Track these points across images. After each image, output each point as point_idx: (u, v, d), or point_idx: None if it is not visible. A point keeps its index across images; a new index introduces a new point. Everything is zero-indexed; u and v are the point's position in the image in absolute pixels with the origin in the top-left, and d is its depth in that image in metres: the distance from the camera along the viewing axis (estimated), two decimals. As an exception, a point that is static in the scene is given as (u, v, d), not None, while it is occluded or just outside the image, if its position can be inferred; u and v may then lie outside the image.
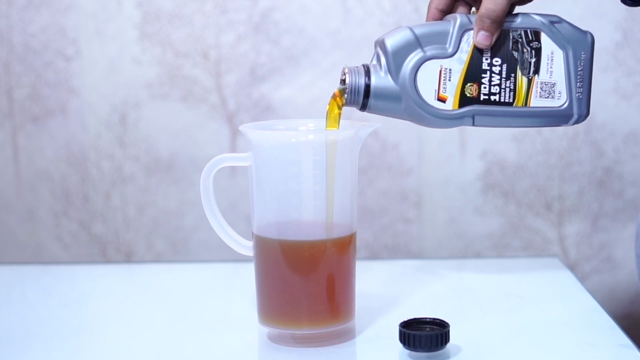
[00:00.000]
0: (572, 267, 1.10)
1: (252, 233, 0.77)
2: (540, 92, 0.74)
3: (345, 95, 0.74)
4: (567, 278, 0.95)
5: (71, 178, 1.14)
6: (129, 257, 1.15)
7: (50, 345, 0.78)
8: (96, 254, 1.15)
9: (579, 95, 0.75)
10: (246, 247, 0.78)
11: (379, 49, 0.75)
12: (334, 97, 0.74)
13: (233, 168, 1.10)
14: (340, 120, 0.78)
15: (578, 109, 0.75)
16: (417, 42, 0.73)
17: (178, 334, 0.80)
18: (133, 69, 1.10)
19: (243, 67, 1.09)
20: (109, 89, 1.11)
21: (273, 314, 0.76)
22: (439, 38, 0.74)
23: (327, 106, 0.74)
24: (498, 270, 0.99)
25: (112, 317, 0.86)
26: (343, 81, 0.74)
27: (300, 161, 0.74)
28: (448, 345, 0.72)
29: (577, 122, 0.76)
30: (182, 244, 1.14)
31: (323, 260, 0.74)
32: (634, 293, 1.12)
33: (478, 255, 1.12)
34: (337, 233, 0.74)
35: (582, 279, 1.08)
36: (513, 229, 1.11)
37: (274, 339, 0.77)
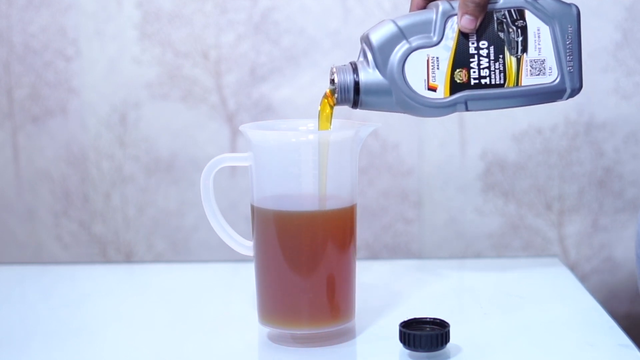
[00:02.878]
0: (572, 267, 1.10)
1: (252, 206, 0.77)
2: (530, 70, 0.74)
3: (336, 94, 0.74)
4: (567, 278, 0.95)
5: (71, 178, 1.14)
6: (129, 257, 1.15)
7: (50, 345, 0.78)
8: (96, 254, 1.15)
9: (570, 69, 0.75)
10: (246, 247, 0.78)
11: (364, 44, 0.75)
12: (325, 97, 0.75)
13: (233, 168, 1.10)
14: (341, 120, 0.79)
15: (571, 83, 0.75)
16: (402, 34, 0.73)
17: (178, 334, 0.80)
18: (133, 69, 1.10)
19: (243, 67, 1.09)
20: (109, 89, 1.11)
21: (273, 314, 0.76)
22: (423, 27, 0.74)
23: (319, 106, 0.75)
24: (498, 270, 0.99)
25: (112, 317, 0.86)
26: (332, 81, 0.74)
27: (300, 161, 0.74)
28: (448, 345, 0.72)
29: (571, 96, 0.75)
30: (182, 244, 1.14)
31: (320, 236, 0.73)
32: (634, 293, 1.12)
33: (478, 255, 1.12)
34: (333, 206, 0.74)
35: (582, 279, 1.08)
36: (513, 229, 1.11)
37: (274, 339, 0.77)
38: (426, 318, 0.73)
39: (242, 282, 0.92)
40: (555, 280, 0.95)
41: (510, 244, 1.11)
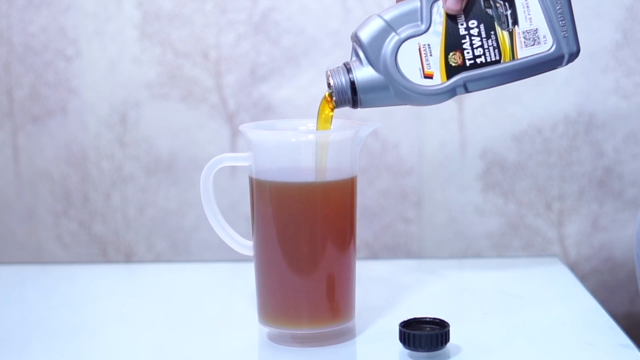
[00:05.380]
0: (572, 267, 1.10)
1: (250, 178, 0.76)
2: (524, 42, 0.74)
3: (334, 97, 0.74)
4: (567, 278, 0.95)
5: (71, 178, 1.14)
6: (129, 257, 1.15)
7: (50, 345, 0.78)
8: (96, 254, 1.15)
9: (564, 34, 0.74)
10: (246, 247, 0.78)
11: (354, 43, 0.75)
12: (324, 99, 0.75)
13: (233, 168, 1.10)
14: (341, 120, 0.79)
15: (568, 48, 0.74)
16: (390, 27, 0.73)
17: (178, 334, 0.80)
18: (133, 69, 1.10)
19: (243, 67, 1.09)
20: (109, 89, 1.11)
21: (273, 313, 0.76)
22: (410, 17, 0.73)
23: (319, 107, 0.75)
24: (498, 270, 0.99)
25: (112, 317, 0.86)
26: (329, 85, 0.74)
27: (300, 161, 0.74)
28: (448, 345, 0.72)
29: (570, 60, 0.74)
30: (182, 244, 1.14)
31: (318, 209, 0.73)
32: (634, 293, 1.12)
33: (478, 255, 1.12)
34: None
35: (582, 279, 1.08)
36: (513, 229, 1.11)
37: (274, 339, 0.77)
38: (426, 318, 0.73)
39: (242, 282, 0.92)
40: (555, 280, 0.95)
41: (510, 244, 1.11)
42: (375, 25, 0.74)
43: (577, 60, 1.07)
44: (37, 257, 1.16)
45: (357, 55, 0.74)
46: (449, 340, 0.71)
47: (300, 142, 0.74)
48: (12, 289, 0.98)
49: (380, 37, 0.73)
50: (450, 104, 1.08)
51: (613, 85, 1.07)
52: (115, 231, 1.14)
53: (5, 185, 1.15)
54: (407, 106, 1.09)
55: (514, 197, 1.10)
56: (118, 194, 1.13)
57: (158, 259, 1.14)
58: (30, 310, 0.89)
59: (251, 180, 0.76)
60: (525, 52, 0.74)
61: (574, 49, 0.74)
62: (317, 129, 0.75)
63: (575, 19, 0.75)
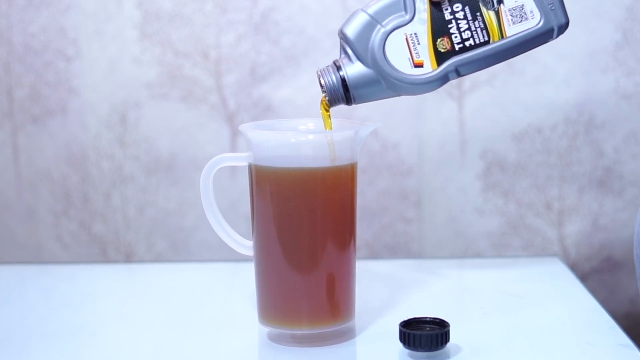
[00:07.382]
0: (572, 267, 1.10)
1: (250, 165, 0.76)
2: (512, 19, 0.73)
3: (327, 96, 0.74)
4: (567, 278, 0.95)
5: (71, 178, 1.14)
6: (129, 257, 1.15)
7: (50, 345, 0.78)
8: (96, 254, 1.15)
9: (551, 7, 0.74)
10: (246, 247, 0.78)
11: (342, 40, 0.75)
12: (321, 102, 0.75)
13: (233, 168, 1.10)
14: (341, 120, 0.79)
15: (556, 20, 0.74)
16: (374, 20, 0.73)
17: (178, 334, 0.80)
18: (133, 69, 1.10)
19: (243, 67, 1.09)
20: (109, 89, 1.11)
21: (273, 313, 0.76)
22: (394, 8, 0.73)
23: (321, 111, 0.75)
24: (498, 270, 0.99)
25: (112, 317, 0.86)
26: (321, 85, 0.74)
27: (300, 161, 0.74)
28: (448, 345, 0.72)
29: (560, 32, 0.74)
30: (182, 244, 1.14)
31: (319, 194, 0.73)
32: (634, 293, 1.12)
33: (478, 255, 1.12)
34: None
35: (582, 279, 1.08)
36: (513, 229, 1.11)
37: (274, 339, 0.77)
38: (426, 318, 0.73)
39: (242, 282, 0.92)
40: (555, 280, 0.95)
41: (510, 244, 1.11)
42: (360, 20, 0.74)
43: (577, 60, 1.08)
44: (37, 257, 1.16)
45: (345, 52, 0.74)
46: (449, 340, 0.71)
47: (300, 142, 0.74)
48: (12, 289, 0.98)
49: (366, 31, 0.73)
50: (451, 103, 1.08)
51: (613, 85, 1.07)
52: (115, 231, 1.14)
53: (5, 185, 1.15)
54: (407, 106, 1.10)
55: (514, 197, 1.10)
56: (118, 194, 1.13)
57: (158, 259, 1.14)
58: (30, 310, 0.89)
59: (251, 169, 0.75)
60: (513, 30, 0.73)
61: (563, 20, 0.74)
62: (326, 129, 0.76)
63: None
